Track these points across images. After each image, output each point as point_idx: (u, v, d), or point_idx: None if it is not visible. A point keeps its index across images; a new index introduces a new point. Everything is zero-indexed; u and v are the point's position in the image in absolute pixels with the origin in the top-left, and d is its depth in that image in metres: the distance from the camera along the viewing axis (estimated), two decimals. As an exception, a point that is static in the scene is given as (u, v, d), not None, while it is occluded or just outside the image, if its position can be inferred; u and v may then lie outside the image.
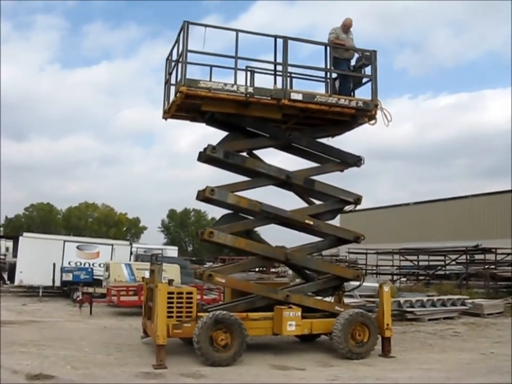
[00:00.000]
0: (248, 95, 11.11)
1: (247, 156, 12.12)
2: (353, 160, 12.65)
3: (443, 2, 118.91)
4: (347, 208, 12.79)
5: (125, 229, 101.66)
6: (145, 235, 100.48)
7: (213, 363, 10.17)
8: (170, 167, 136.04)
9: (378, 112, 12.08)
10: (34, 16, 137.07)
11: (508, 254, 27.86)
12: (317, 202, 12.69)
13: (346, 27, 12.59)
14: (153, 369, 9.74)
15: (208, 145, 11.37)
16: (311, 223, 12.03)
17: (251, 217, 12.13)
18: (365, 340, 11.50)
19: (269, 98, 11.30)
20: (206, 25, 10.95)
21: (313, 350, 12.14)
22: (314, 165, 12.73)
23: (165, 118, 12.42)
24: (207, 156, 11.52)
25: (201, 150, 11.73)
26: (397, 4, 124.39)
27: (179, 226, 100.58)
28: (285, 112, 11.85)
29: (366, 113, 12.13)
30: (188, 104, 11.46)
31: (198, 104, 11.33)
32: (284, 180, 12.03)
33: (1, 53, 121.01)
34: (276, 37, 11.53)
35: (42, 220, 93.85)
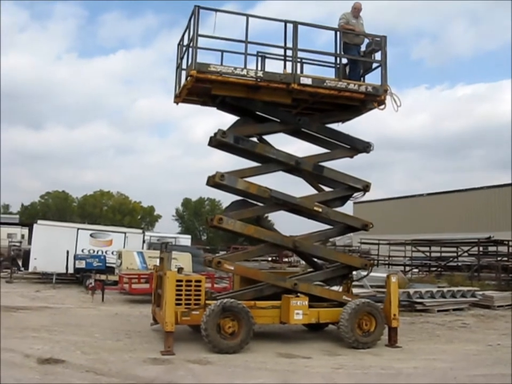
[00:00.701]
0: (258, 79, 11.19)
1: (257, 141, 12.20)
2: (363, 146, 12.68)
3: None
4: (356, 195, 12.83)
5: (139, 217, 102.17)
6: (160, 224, 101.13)
7: (220, 350, 10.30)
8: (186, 155, 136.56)
9: (388, 97, 12.13)
10: (52, 5, 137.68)
11: (521, 246, 27.77)
12: (326, 189, 12.75)
13: (356, 11, 12.59)
14: (161, 355, 9.89)
15: (219, 130, 11.46)
16: (320, 210, 12.10)
17: (260, 204, 12.22)
18: (371, 329, 11.56)
19: (279, 82, 11.37)
20: (216, 10, 11.09)
21: (320, 339, 12.24)
22: (323, 151, 12.79)
23: (176, 102, 12.55)
24: (217, 141, 11.62)
25: (212, 135, 11.85)
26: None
27: (193, 215, 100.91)
28: (294, 97, 11.91)
29: (375, 98, 12.18)
30: (198, 88, 11.56)
31: (209, 88, 11.43)
32: (293, 166, 12.11)
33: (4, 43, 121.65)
34: (286, 21, 11.60)
35: (57, 207, 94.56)
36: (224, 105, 12.12)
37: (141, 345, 10.87)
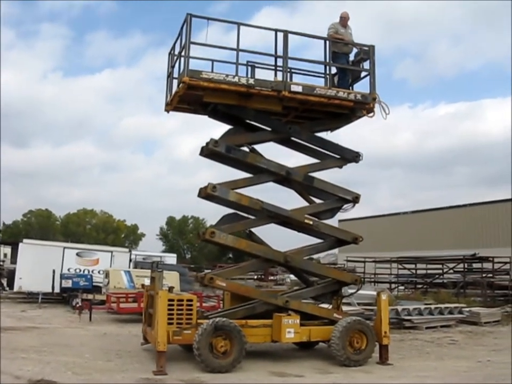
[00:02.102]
0: (249, 87, 11.31)
1: (248, 151, 12.25)
2: (352, 156, 12.80)
3: (444, 14, 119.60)
4: (346, 206, 12.90)
5: (123, 235, 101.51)
6: (144, 242, 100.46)
7: (213, 369, 10.26)
8: (171, 174, 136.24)
9: (377, 105, 12.32)
10: (39, 25, 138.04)
11: (506, 263, 28.02)
12: (316, 200, 12.83)
13: (344, 20, 12.86)
14: (154, 375, 9.83)
15: (211, 139, 11.53)
16: (311, 222, 12.17)
17: (251, 217, 12.26)
18: (362, 347, 11.61)
19: (270, 89, 11.50)
20: (208, 18, 11.28)
21: (311, 357, 12.25)
22: (313, 161, 12.89)
23: (167, 110, 12.65)
24: (209, 150, 11.68)
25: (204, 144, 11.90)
26: (398, 14, 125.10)
27: (177, 233, 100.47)
28: (285, 105, 12.08)
29: (364, 106, 12.37)
30: (190, 96, 11.65)
31: (200, 96, 11.52)
32: (284, 176, 12.20)
33: (1, 60, 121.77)
34: (276, 30, 11.79)
35: (40, 226, 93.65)
36: (215, 113, 12.20)
37: (132, 365, 10.79)
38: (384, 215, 51.87)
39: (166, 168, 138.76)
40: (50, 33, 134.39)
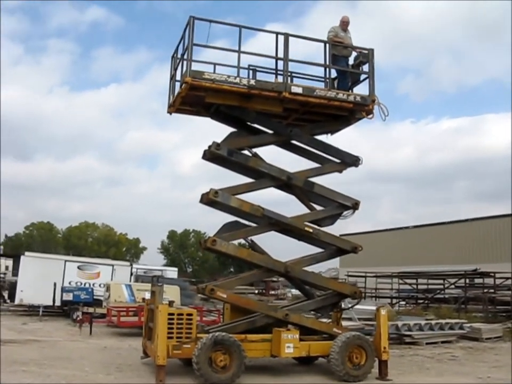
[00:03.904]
0: (250, 87, 11.44)
1: (250, 155, 12.33)
2: (352, 160, 12.90)
3: (445, 30, 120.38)
4: (346, 213, 12.94)
5: (124, 249, 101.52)
6: (145, 256, 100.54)
7: (212, 384, 10.28)
8: (173, 188, 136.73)
9: (376, 107, 12.45)
10: (47, 40, 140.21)
11: (507, 278, 27.95)
12: (316, 206, 12.88)
13: (344, 24, 13.03)
14: (153, 389, 9.86)
15: (213, 142, 11.63)
16: (311, 230, 12.22)
17: (252, 225, 12.32)
18: (362, 362, 11.60)
19: (270, 91, 11.63)
20: (210, 21, 11.41)
21: (311, 372, 12.24)
22: (314, 165, 12.98)
23: (169, 112, 12.81)
24: (212, 153, 11.79)
25: (206, 148, 11.97)
26: (400, 31, 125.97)
27: (179, 247, 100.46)
28: (285, 106, 12.21)
29: (363, 107, 12.49)
30: (192, 97, 11.76)
31: (202, 97, 11.64)
32: (284, 181, 12.29)
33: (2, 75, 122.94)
34: (277, 33, 11.94)
35: (42, 238, 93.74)
36: (218, 114, 12.34)
37: (132, 379, 10.82)
38: (385, 230, 51.89)
39: (169, 182, 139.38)
40: (58, 48, 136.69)
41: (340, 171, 13.11)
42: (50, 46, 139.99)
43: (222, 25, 12.24)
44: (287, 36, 11.82)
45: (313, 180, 12.68)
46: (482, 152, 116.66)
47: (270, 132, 12.64)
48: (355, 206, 12.79)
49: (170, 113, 12.83)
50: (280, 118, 12.75)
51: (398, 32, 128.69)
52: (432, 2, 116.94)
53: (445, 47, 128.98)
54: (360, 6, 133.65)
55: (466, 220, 42.52)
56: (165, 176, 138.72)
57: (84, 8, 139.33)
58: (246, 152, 12.28)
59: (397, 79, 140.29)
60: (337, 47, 12.64)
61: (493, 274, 28.22)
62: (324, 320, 13.13)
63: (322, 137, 13.21)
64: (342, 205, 12.80)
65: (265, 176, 12.26)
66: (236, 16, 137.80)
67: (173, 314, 10.76)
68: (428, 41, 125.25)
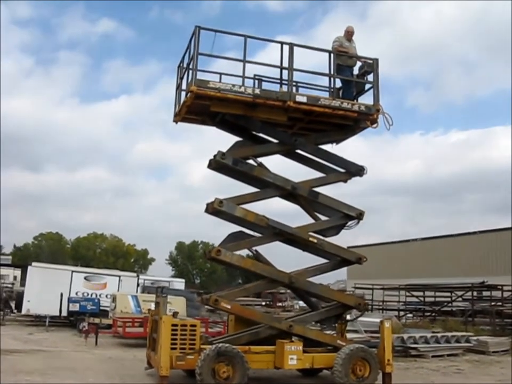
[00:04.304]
0: (255, 96, 11.52)
1: (255, 164, 12.37)
2: (356, 169, 12.93)
3: (455, 41, 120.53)
4: (350, 223, 12.93)
5: (132, 260, 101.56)
6: (153, 267, 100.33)
7: (215, 395, 10.26)
8: (182, 199, 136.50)
9: (380, 116, 12.49)
10: (58, 52, 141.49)
11: (515, 291, 27.77)
12: (321, 216, 12.88)
13: (349, 34, 13.11)
14: (156, 400, 9.88)
15: (218, 151, 11.71)
16: (315, 240, 12.22)
17: (256, 234, 12.34)
18: (365, 375, 11.55)
19: (275, 99, 11.69)
20: (216, 31, 11.51)
21: (314, 384, 12.21)
22: (317, 174, 13.01)
23: (175, 121, 12.91)
24: (217, 163, 11.88)
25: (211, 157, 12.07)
26: (408, 44, 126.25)
27: (187, 258, 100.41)
28: (290, 115, 12.24)
29: (368, 117, 12.55)
30: (197, 106, 11.84)
31: (207, 106, 11.72)
32: (289, 191, 12.31)
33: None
34: (282, 43, 12.06)
35: (51, 249, 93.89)
36: (223, 123, 12.42)
37: (135, 389, 10.84)
38: (392, 242, 51.63)
39: (178, 193, 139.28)
40: (69, 60, 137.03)
41: (345, 181, 13.14)
42: (61, 58, 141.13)
43: (232, 37, 12.36)
44: (291, 45, 11.91)
45: (318, 189, 12.71)
46: (491, 165, 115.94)
47: (275, 141, 12.71)
48: (359, 216, 12.79)
49: (176, 122, 12.93)
50: (285, 127, 12.82)
51: (407, 43, 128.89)
52: (442, 14, 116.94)
53: (455, 59, 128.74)
54: (369, 18, 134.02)
55: (474, 233, 42.31)
56: (174, 187, 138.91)
57: (95, 20, 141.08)
58: (251, 161, 12.33)
59: (406, 91, 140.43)
60: (342, 57, 12.69)
61: (500, 287, 28.04)
62: (329, 331, 13.09)
63: (327, 147, 13.28)
64: (347, 215, 12.80)
65: (270, 186, 12.30)
66: (246, 28, 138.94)
67: (176, 325, 10.79)
68: (437, 52, 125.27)
